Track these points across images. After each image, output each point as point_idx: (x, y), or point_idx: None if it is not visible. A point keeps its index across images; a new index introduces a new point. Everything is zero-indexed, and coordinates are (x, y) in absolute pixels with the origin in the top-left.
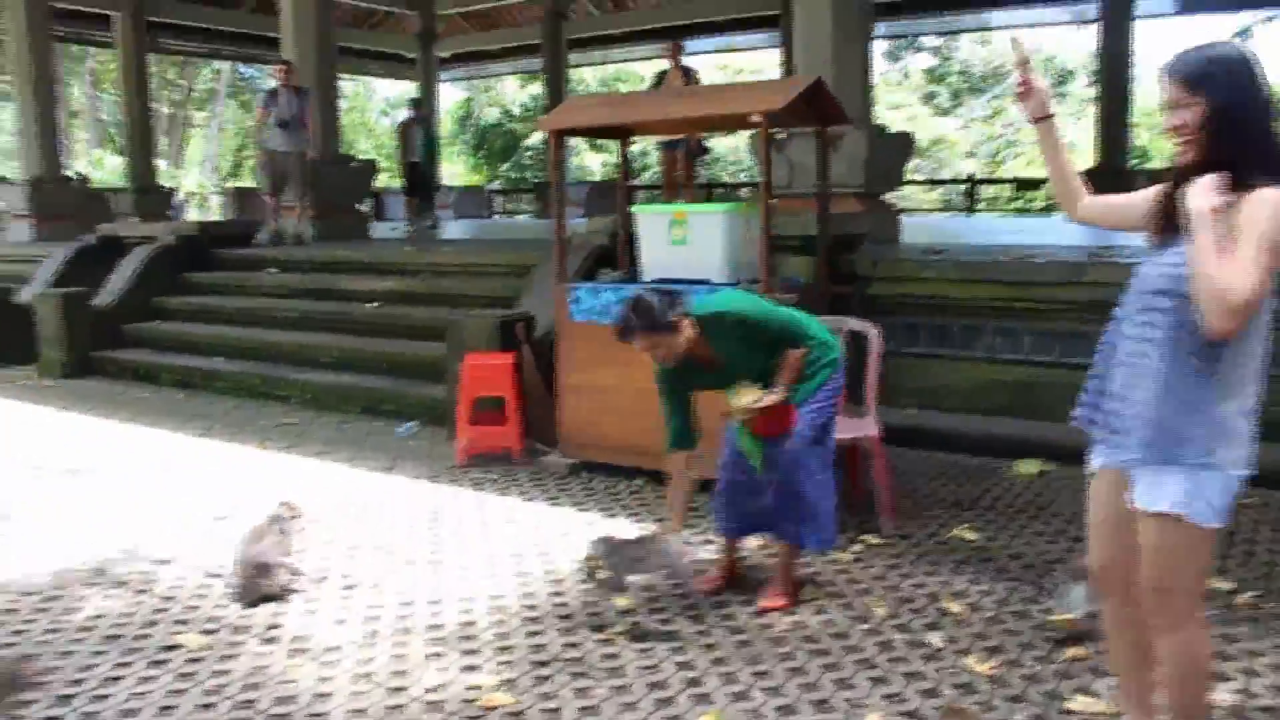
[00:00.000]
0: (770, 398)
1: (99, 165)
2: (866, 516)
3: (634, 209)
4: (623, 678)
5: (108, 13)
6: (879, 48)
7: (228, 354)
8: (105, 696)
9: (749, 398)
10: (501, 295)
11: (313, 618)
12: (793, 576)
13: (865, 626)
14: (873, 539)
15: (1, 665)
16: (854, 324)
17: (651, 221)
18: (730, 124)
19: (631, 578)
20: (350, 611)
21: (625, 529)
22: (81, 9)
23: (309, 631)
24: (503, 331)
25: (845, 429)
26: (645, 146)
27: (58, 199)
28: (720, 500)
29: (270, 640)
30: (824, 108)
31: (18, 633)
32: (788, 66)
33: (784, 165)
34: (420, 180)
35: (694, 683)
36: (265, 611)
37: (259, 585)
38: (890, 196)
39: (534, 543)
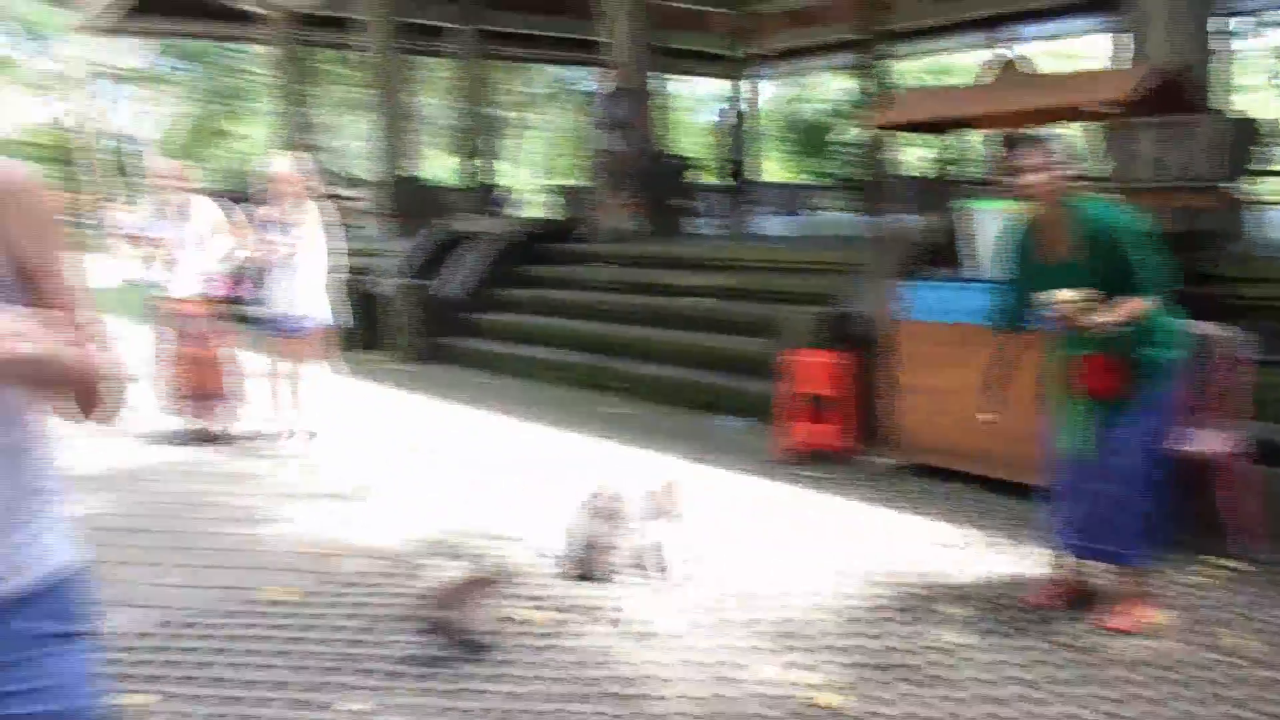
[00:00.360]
0: (1107, 313)
1: (438, 166)
2: (1217, 538)
3: (970, 204)
4: (958, 689)
5: (450, 26)
6: (1221, 26)
7: (560, 344)
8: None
9: (1079, 296)
10: (828, 292)
11: (649, 603)
12: (1136, 597)
13: (1215, 655)
14: (1224, 562)
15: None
16: (1207, 327)
17: (990, 217)
18: (1073, 115)
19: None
20: (686, 599)
21: (953, 536)
22: (427, 23)
23: (646, 616)
24: (831, 328)
25: (1197, 440)
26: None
27: (406, 198)
28: (1050, 509)
29: (608, 621)
30: (1172, 95)
31: (369, 592)
32: (1124, 51)
33: (1127, 156)
34: (740, 177)
35: (1031, 699)
36: (602, 592)
37: (587, 564)
38: (1244, 188)
39: (867, 544)
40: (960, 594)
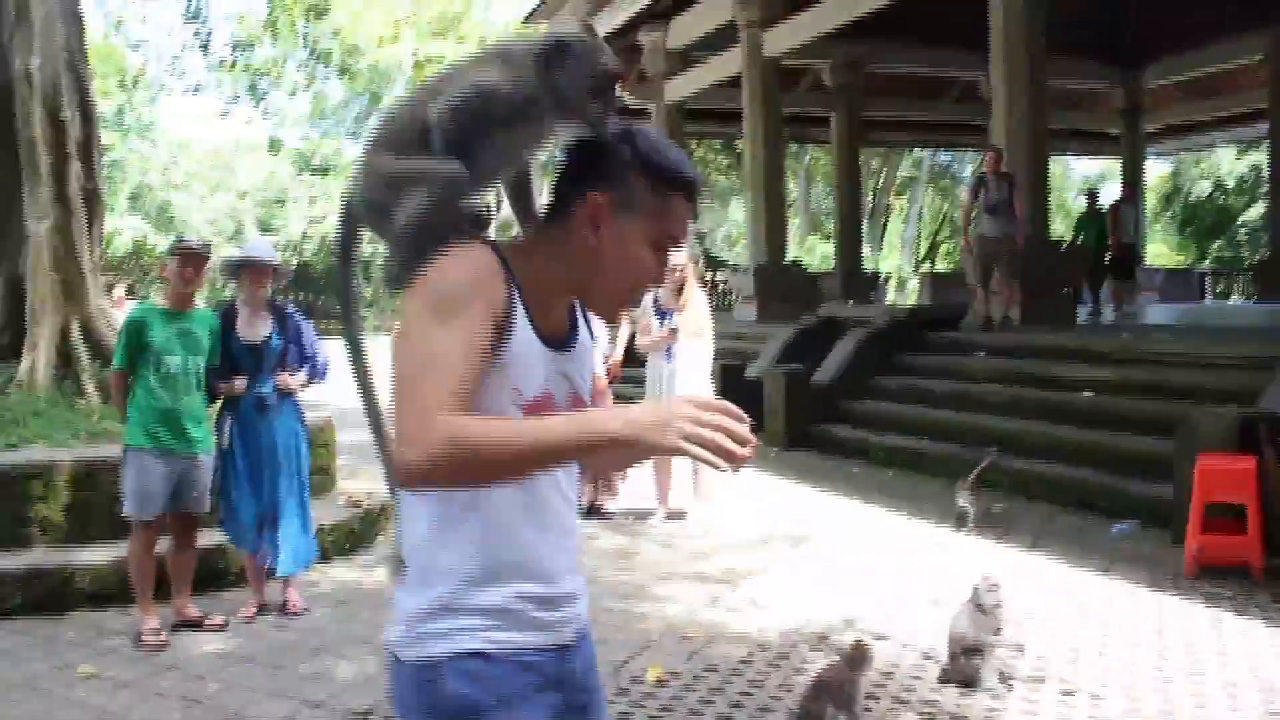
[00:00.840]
0: None
1: (810, 252)
2: None
3: None
4: None
5: (826, 113)
6: None
7: (935, 435)
8: None
9: None
10: (1238, 389)
11: (1028, 719)
12: None
13: None
14: None
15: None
16: None
17: None
18: None
19: None
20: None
21: None
22: (804, 112)
23: None
24: (1243, 431)
25: None
26: None
27: (779, 283)
28: None
29: None
30: None
31: (753, 683)
32: None
33: None
34: (1130, 262)
35: None
36: (982, 704)
37: (964, 666)
38: None
39: None
40: None
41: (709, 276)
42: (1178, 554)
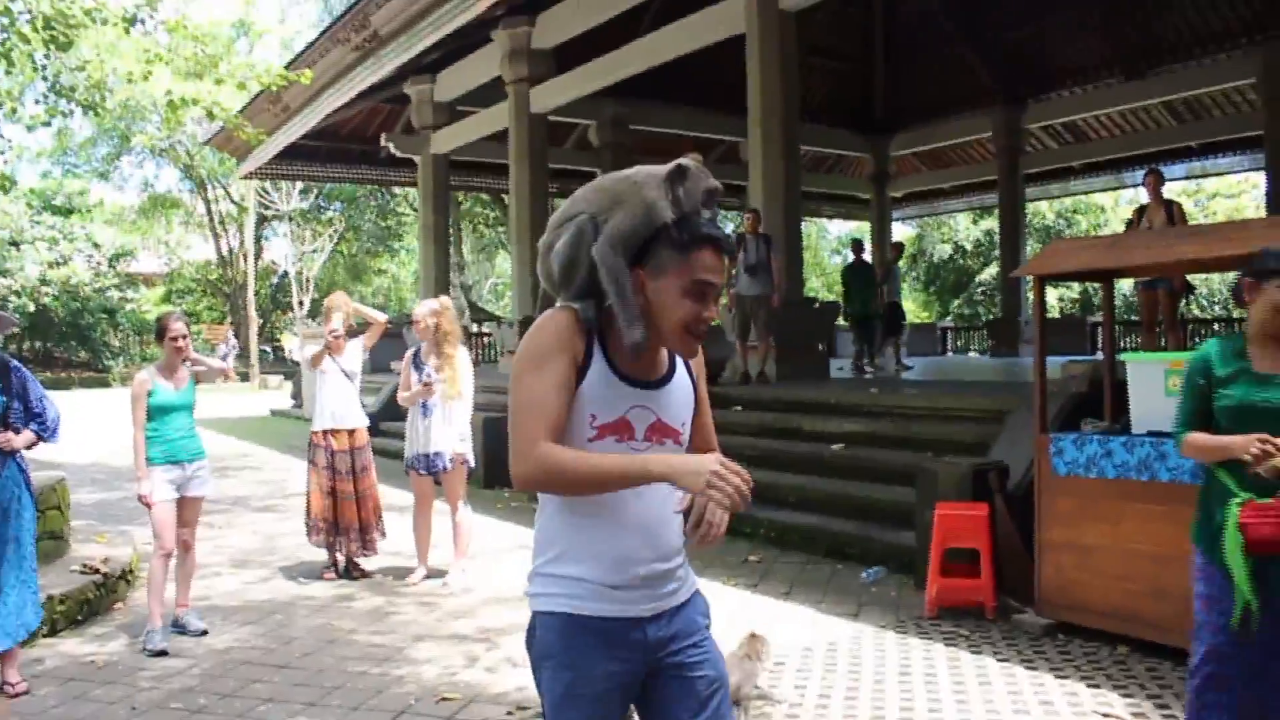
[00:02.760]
0: None
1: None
2: None
3: (1124, 357)
4: None
5: (592, 169)
6: None
7: None
8: None
9: None
10: (973, 441)
11: None
12: None
13: None
14: None
15: None
16: None
17: (1144, 370)
18: (1236, 264)
19: None
20: None
21: (1093, 703)
22: (570, 167)
23: None
24: (975, 480)
25: None
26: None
27: None
28: (1208, 700)
29: None
30: None
31: None
32: (1276, 189)
33: None
34: (896, 320)
35: None
36: None
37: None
38: None
39: (1012, 708)
40: None
41: (475, 329)
42: (921, 597)
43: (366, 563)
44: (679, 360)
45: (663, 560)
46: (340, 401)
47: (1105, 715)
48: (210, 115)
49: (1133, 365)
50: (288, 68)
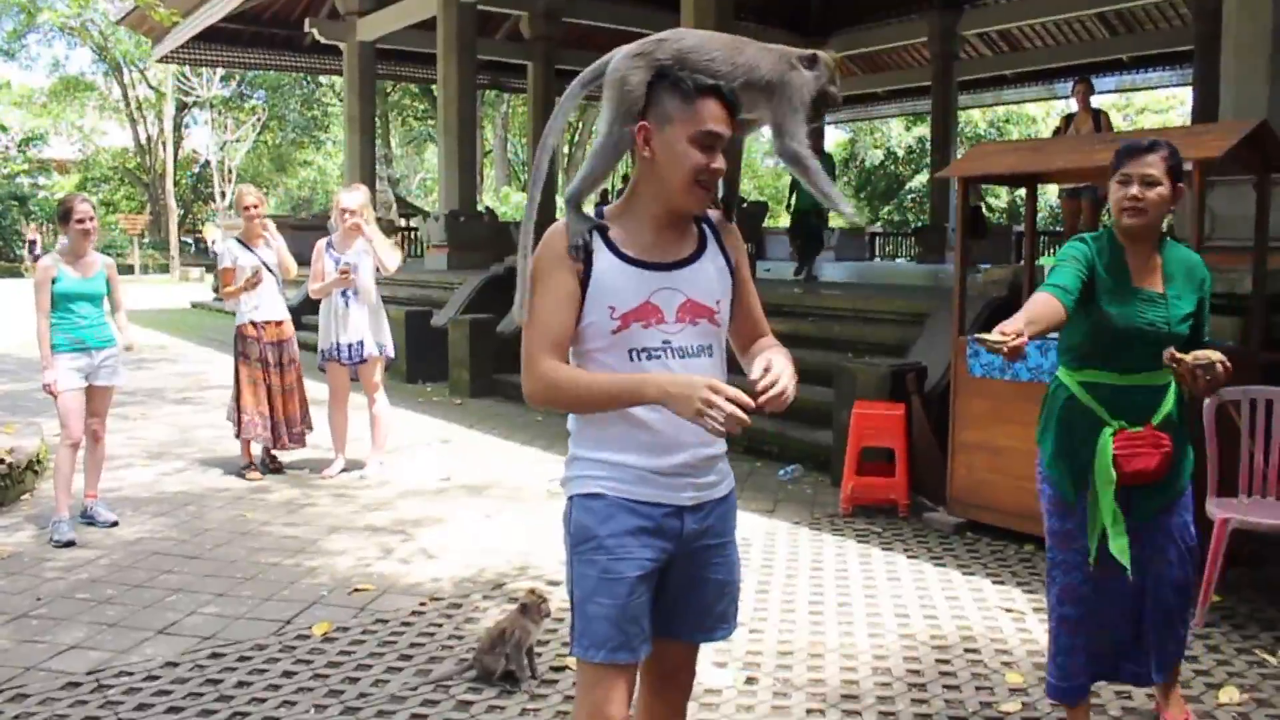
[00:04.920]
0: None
1: (505, 200)
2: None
3: (1042, 262)
4: None
5: (523, 63)
6: None
7: None
8: (500, 708)
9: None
10: (892, 343)
11: (704, 655)
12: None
13: None
14: None
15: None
16: None
17: None
18: None
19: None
20: (730, 656)
21: (1001, 599)
22: (501, 60)
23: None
24: (893, 381)
25: (1276, 514)
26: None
27: (469, 231)
28: (1063, 644)
29: None
30: (1265, 154)
31: (424, 634)
32: (1201, 105)
33: (1206, 216)
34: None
35: None
36: None
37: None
38: None
39: (919, 602)
40: (1010, 660)
41: (402, 222)
42: (836, 495)
43: (285, 456)
44: (711, 239)
45: (705, 445)
46: (266, 292)
47: (1007, 609)
48: None
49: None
50: None
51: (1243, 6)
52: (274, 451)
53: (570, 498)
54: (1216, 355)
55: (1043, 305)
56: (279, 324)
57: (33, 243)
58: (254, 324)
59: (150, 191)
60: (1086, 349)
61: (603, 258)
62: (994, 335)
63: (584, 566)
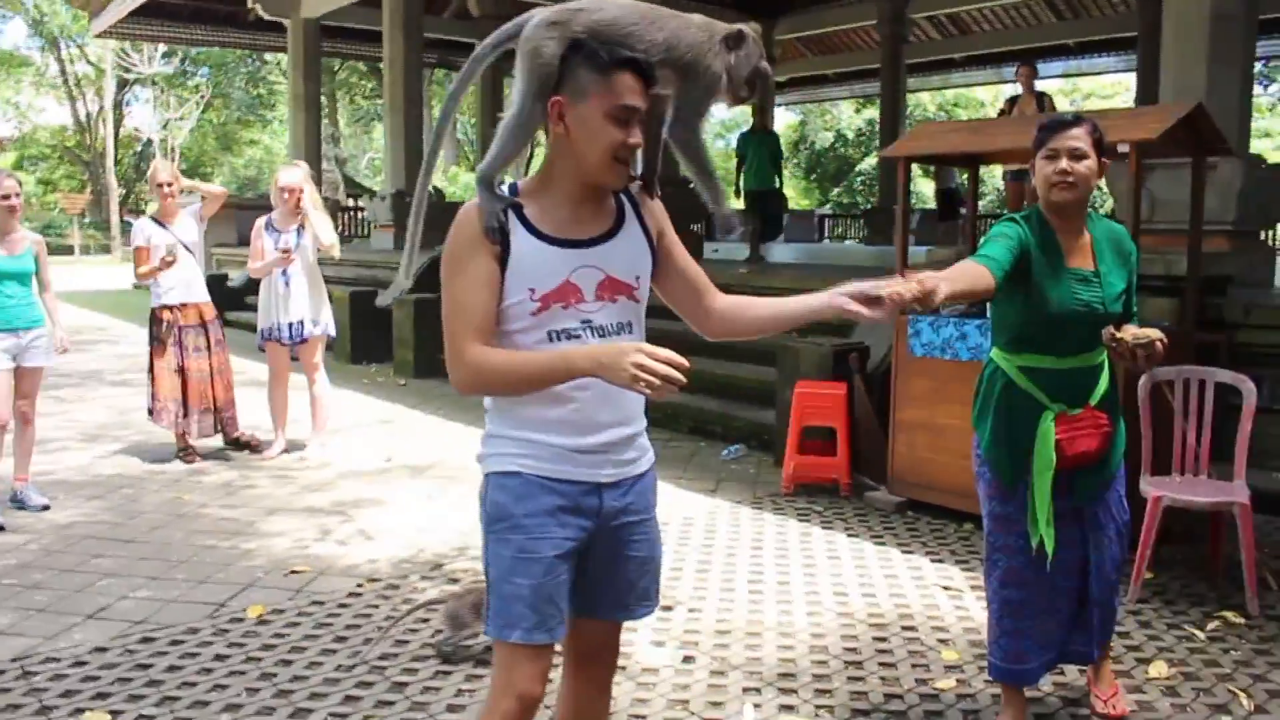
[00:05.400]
0: (1149, 333)
1: (454, 180)
2: (1228, 591)
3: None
4: None
5: (472, 41)
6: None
7: None
8: (436, 689)
9: (1154, 335)
10: (838, 323)
11: (631, 635)
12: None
13: (1228, 718)
14: (1234, 617)
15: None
16: (1223, 375)
17: None
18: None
19: None
20: (668, 635)
21: (938, 577)
22: (450, 39)
23: (627, 649)
24: (836, 360)
25: (1208, 492)
26: (985, 174)
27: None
28: (1007, 627)
29: None
30: (1201, 136)
31: (361, 615)
32: (1144, 90)
33: (1144, 198)
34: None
35: None
36: None
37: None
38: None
39: (858, 581)
40: (946, 638)
41: (349, 202)
42: (779, 475)
43: (225, 437)
44: (630, 212)
45: (624, 424)
46: (183, 273)
47: (945, 587)
48: None
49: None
50: None
51: None
52: (208, 435)
53: (486, 475)
54: (1155, 333)
55: (968, 269)
56: (198, 306)
57: None
58: (169, 307)
59: (91, 170)
60: (1023, 332)
61: (520, 237)
62: (901, 283)
63: (499, 546)
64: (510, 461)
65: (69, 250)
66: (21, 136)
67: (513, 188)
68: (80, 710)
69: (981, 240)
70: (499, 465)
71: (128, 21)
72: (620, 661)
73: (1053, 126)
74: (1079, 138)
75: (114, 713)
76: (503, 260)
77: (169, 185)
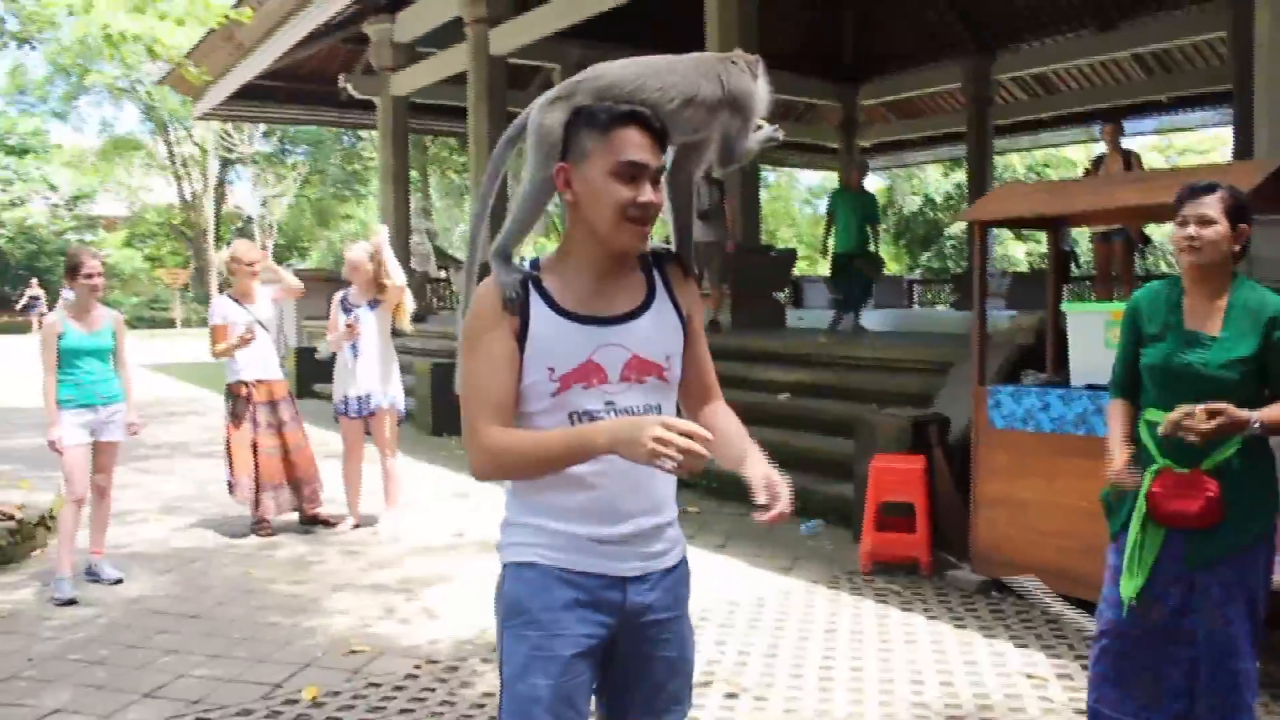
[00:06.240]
0: (1235, 415)
1: (540, 251)
2: None
3: (1064, 306)
4: None
5: None
6: None
7: None
8: None
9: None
10: (916, 393)
11: None
12: None
13: None
14: None
15: None
16: None
17: (1083, 321)
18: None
19: None
20: None
21: (1022, 663)
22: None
23: None
24: (915, 432)
25: None
26: (1076, 234)
27: None
28: (1103, 671)
29: None
30: None
31: (415, 699)
32: (1241, 144)
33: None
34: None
35: None
36: None
37: None
38: None
39: (935, 668)
40: None
41: (443, 275)
42: (857, 551)
43: (298, 513)
44: (661, 289)
45: (652, 513)
46: (257, 351)
47: (1029, 675)
48: (151, 53)
49: (1072, 316)
50: (235, 7)
51: (1273, 43)
52: (281, 511)
53: (504, 566)
54: (1212, 406)
55: (1121, 416)
56: (269, 384)
57: (35, 298)
58: (244, 383)
59: (194, 246)
60: (1145, 385)
61: (538, 313)
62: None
63: (515, 642)
64: (527, 552)
65: (170, 324)
66: (131, 216)
67: (533, 263)
68: None
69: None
70: (516, 555)
71: (228, 104)
72: None
73: (1188, 193)
74: (1209, 205)
75: None
76: (521, 338)
77: (251, 265)
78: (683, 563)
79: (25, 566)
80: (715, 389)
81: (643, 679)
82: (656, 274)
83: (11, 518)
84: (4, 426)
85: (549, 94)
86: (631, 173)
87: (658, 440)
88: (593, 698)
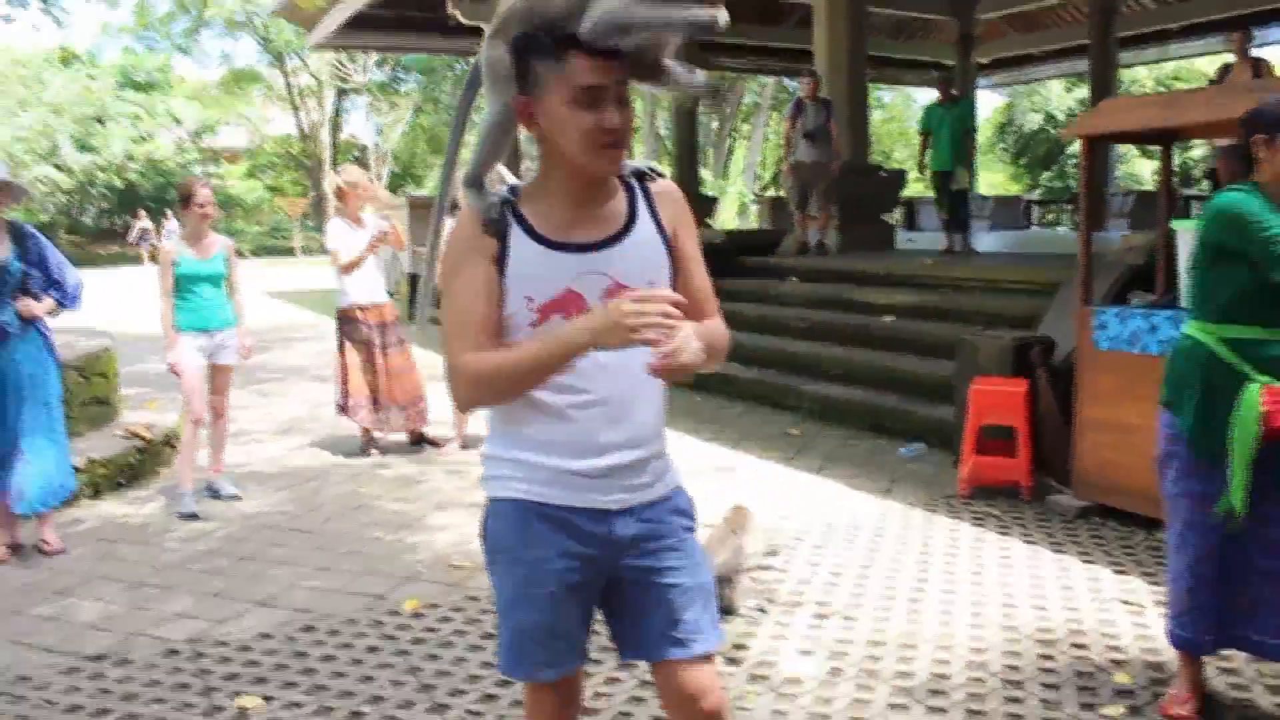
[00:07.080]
0: None
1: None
2: None
3: (1173, 223)
4: None
5: None
6: None
7: (743, 360)
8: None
9: None
10: (1023, 315)
11: (779, 643)
12: None
13: None
14: None
15: None
16: None
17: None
18: None
19: None
20: (818, 643)
21: (1120, 591)
22: None
23: (772, 658)
24: (1017, 355)
25: None
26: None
27: None
28: (1186, 588)
29: (732, 660)
30: None
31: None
32: None
33: None
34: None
35: None
36: (732, 630)
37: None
38: None
39: (1029, 592)
40: (1121, 659)
41: None
42: (956, 475)
43: (408, 432)
44: (644, 208)
45: (634, 446)
46: (368, 275)
47: (1126, 602)
48: None
49: (1181, 232)
50: None
51: None
52: (390, 430)
53: (489, 501)
54: None
55: None
56: (379, 307)
57: (145, 230)
58: (358, 306)
59: (312, 176)
60: (1234, 304)
61: (517, 240)
62: None
63: (501, 578)
64: (509, 486)
65: (290, 252)
66: (251, 148)
67: (512, 189)
68: (239, 693)
69: (1247, 222)
70: (497, 490)
71: (340, 33)
72: (763, 670)
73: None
74: None
75: (267, 698)
76: (500, 265)
77: (361, 188)
78: (674, 493)
79: (153, 483)
80: (710, 306)
81: (655, 609)
82: (639, 194)
83: (140, 437)
84: (132, 351)
85: (487, 32)
86: (590, 98)
87: (634, 315)
88: (613, 631)
